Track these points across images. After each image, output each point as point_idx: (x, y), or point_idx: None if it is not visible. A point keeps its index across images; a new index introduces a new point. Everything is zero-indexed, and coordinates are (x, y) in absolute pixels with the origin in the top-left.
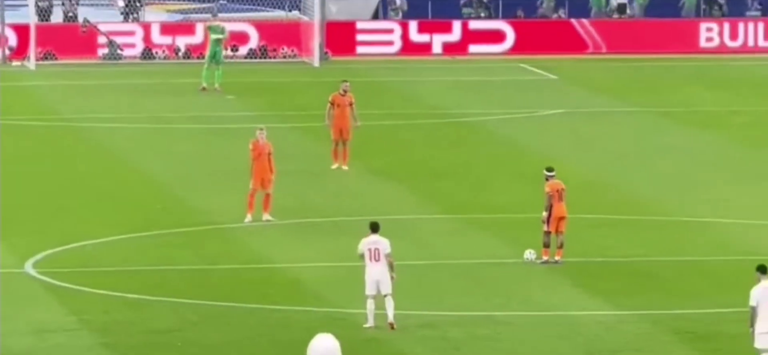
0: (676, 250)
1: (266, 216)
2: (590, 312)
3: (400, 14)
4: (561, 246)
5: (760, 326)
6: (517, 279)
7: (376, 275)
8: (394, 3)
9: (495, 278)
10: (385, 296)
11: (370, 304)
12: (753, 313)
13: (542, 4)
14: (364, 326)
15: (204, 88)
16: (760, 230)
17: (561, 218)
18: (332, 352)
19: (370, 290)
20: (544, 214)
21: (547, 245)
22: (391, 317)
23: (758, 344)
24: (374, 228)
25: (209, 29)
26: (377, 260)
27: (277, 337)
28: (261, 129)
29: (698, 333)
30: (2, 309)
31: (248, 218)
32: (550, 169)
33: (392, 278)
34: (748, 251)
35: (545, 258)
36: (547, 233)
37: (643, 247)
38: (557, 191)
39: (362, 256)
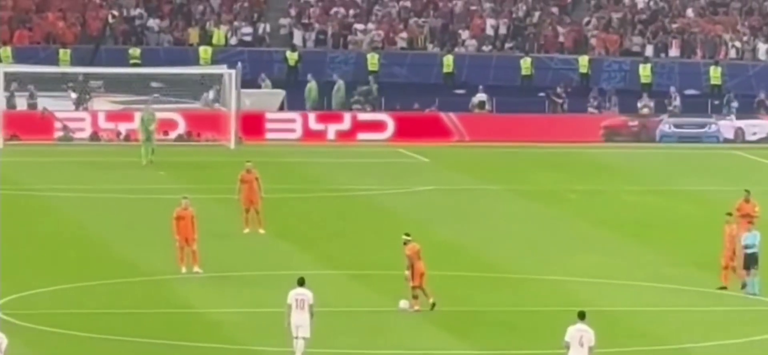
0: (525, 302)
1: (196, 268)
2: (455, 352)
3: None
4: (427, 295)
5: None
6: (393, 325)
7: (298, 321)
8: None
9: (375, 323)
10: (302, 338)
11: (297, 345)
12: (566, 346)
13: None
14: None
15: (146, 164)
16: (593, 286)
17: (421, 274)
18: None
19: (294, 333)
20: (407, 272)
21: (415, 297)
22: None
23: None
24: (301, 282)
25: (141, 119)
26: (302, 309)
27: None
28: (185, 197)
29: None
30: None
31: (183, 270)
32: (407, 235)
33: (310, 326)
34: (584, 303)
35: (417, 307)
36: (414, 287)
37: (498, 298)
38: (415, 252)
39: (290, 305)
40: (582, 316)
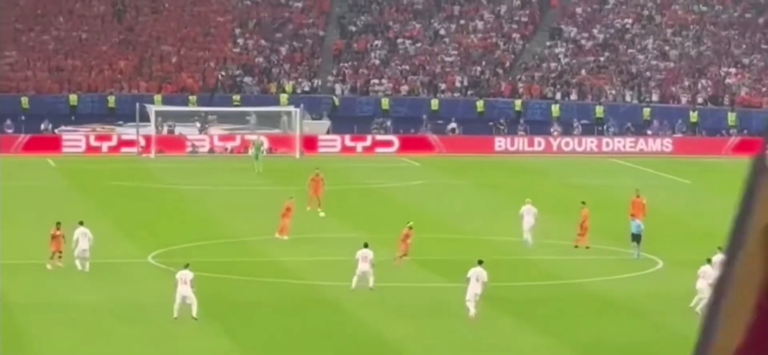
0: (476, 253)
1: (284, 236)
2: (426, 284)
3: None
4: (406, 253)
5: (469, 292)
6: (393, 267)
7: (364, 268)
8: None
9: (384, 266)
10: (371, 276)
11: (355, 279)
12: (468, 280)
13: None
14: (351, 287)
15: (258, 173)
16: (520, 244)
17: (406, 244)
18: None
19: (359, 273)
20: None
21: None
22: (371, 285)
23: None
24: (366, 245)
25: (252, 142)
26: (365, 261)
27: (283, 290)
28: (291, 197)
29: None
30: (132, 284)
31: (285, 237)
32: (410, 225)
33: (372, 272)
34: (513, 254)
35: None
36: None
37: (460, 250)
38: (403, 235)
39: (357, 259)
40: (480, 262)
